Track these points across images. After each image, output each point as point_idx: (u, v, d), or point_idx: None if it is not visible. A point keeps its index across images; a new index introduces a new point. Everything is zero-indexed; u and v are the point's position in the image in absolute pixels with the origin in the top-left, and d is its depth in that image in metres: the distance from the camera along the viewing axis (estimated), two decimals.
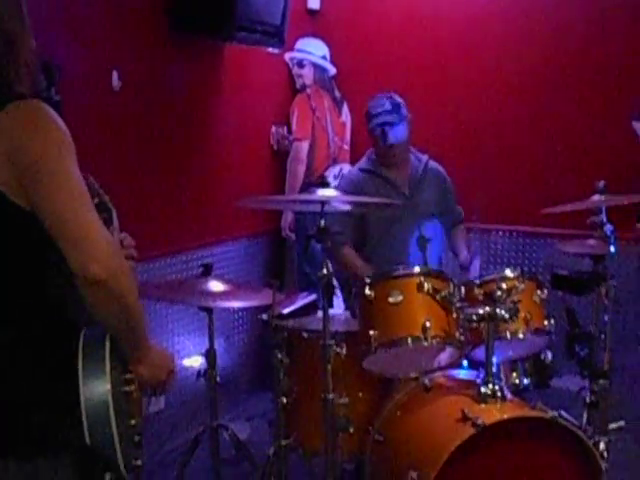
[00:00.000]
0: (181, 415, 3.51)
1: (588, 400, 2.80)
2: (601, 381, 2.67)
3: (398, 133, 3.39)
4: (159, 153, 3.60)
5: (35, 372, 1.49)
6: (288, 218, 4.32)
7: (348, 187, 3.38)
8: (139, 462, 1.56)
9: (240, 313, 4.23)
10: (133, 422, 1.57)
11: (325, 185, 2.74)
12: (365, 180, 3.43)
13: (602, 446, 2.64)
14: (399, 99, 3.45)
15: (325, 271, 2.51)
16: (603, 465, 2.41)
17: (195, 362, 3.26)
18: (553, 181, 4.06)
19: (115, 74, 3.30)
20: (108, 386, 1.47)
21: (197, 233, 3.86)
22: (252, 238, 4.37)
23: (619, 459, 2.82)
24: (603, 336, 2.76)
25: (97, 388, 1.46)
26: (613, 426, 2.71)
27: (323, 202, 2.52)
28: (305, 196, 2.83)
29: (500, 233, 4.41)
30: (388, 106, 3.41)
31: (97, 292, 1.42)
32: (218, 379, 2.95)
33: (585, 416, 2.79)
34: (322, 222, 2.53)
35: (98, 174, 1.72)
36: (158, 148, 3.59)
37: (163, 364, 1.68)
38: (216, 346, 2.96)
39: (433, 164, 3.58)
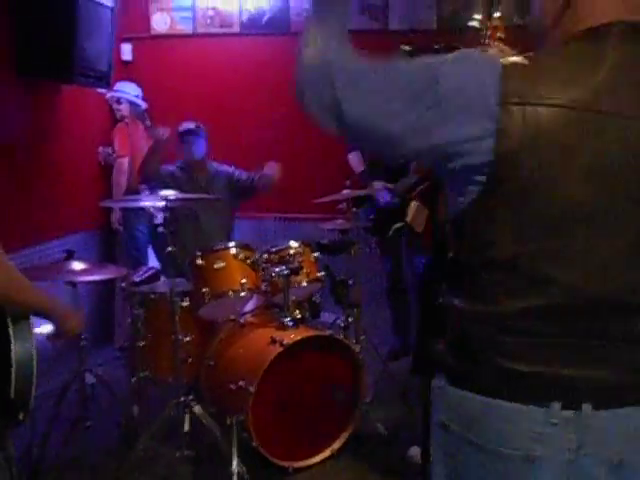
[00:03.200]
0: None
1: (342, 325, 3.90)
2: (355, 310, 3.85)
3: (199, 146, 4.39)
4: (16, 169, 4.27)
5: None
6: (117, 215, 5.10)
7: (166, 175, 4.33)
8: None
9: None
10: None
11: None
12: (179, 171, 4.38)
13: (357, 349, 3.79)
14: (200, 125, 4.44)
15: (170, 248, 3.34)
16: (360, 361, 3.56)
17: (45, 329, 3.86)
18: (311, 180, 5.16)
19: None
20: (34, 344, 1.77)
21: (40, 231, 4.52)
22: (88, 231, 5.13)
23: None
24: (352, 281, 3.91)
25: (25, 348, 1.73)
26: (361, 338, 3.97)
27: (167, 199, 3.47)
28: (153, 197, 3.73)
29: (272, 219, 5.60)
30: (192, 126, 4.40)
31: None
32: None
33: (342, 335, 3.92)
34: (167, 215, 3.46)
35: None
36: (13, 165, 4.26)
37: (67, 316, 2.02)
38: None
39: (222, 168, 4.51)
